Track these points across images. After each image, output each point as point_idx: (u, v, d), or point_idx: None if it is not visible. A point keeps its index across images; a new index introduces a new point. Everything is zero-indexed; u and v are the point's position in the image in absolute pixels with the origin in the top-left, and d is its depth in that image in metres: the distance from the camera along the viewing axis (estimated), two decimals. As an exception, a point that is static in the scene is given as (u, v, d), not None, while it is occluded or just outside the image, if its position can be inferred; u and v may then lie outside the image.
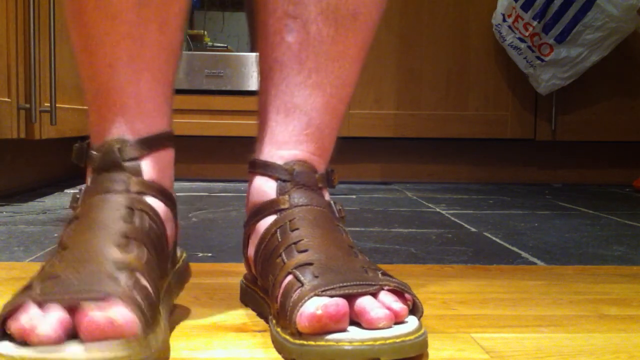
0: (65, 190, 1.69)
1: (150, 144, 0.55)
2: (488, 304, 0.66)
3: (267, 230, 0.57)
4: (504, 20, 1.97)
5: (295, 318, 0.48)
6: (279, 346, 0.50)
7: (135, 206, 0.52)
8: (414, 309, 0.51)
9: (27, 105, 1.41)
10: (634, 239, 1.11)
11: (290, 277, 0.51)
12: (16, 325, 0.43)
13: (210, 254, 0.93)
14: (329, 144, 0.61)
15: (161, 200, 0.55)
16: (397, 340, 0.47)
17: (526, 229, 1.21)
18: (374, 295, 0.50)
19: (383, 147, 2.10)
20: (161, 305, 0.51)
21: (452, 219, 1.33)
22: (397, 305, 0.49)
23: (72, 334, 0.43)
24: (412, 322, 0.49)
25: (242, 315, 0.61)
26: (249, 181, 0.62)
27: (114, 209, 0.51)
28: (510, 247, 1.02)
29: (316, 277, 0.50)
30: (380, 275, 0.52)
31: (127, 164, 0.53)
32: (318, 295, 0.48)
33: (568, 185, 2.11)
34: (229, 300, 0.66)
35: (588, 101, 2.07)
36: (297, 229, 0.55)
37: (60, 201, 1.49)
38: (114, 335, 0.42)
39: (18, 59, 1.39)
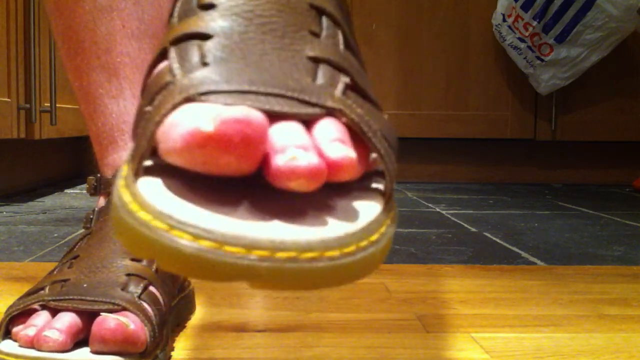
0: (65, 190, 1.69)
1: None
2: (488, 304, 0.66)
3: None
4: (504, 20, 1.97)
5: (157, 130, 0.25)
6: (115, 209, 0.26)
7: None
8: (384, 196, 0.27)
9: (27, 105, 1.41)
10: (634, 239, 1.11)
11: (164, 64, 0.28)
12: (25, 329, 0.43)
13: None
14: None
15: None
16: (302, 255, 0.23)
17: (526, 229, 1.21)
18: (308, 123, 0.26)
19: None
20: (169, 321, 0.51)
21: (452, 219, 1.33)
22: (338, 149, 0.24)
23: (79, 340, 0.43)
24: (356, 206, 0.26)
25: (242, 315, 0.61)
26: None
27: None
28: (510, 247, 1.02)
29: (206, 64, 0.26)
30: (340, 87, 0.27)
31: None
32: (196, 101, 0.25)
33: (568, 185, 2.11)
34: (229, 300, 0.66)
35: (588, 101, 2.07)
36: None
37: (60, 201, 1.49)
38: (123, 343, 0.42)
39: (18, 59, 1.39)
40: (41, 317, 0.43)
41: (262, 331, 0.56)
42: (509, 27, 1.96)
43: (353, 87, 0.28)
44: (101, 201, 0.55)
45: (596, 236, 1.14)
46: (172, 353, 0.50)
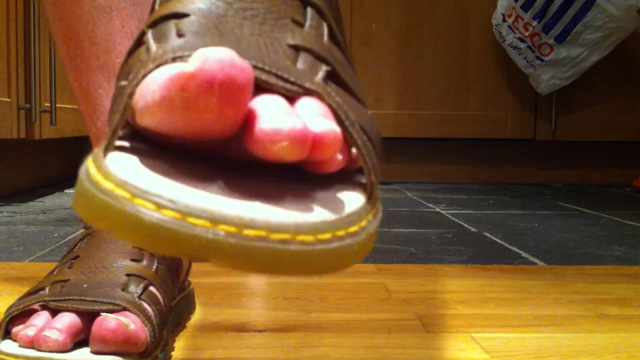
0: (65, 190, 1.69)
1: None
2: (488, 304, 0.66)
3: None
4: (504, 20, 1.97)
5: (134, 98, 0.23)
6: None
7: None
8: (368, 189, 0.25)
9: (27, 105, 1.41)
10: (634, 239, 1.11)
11: (139, 45, 0.27)
12: (24, 329, 0.43)
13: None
14: None
15: None
16: (281, 237, 0.21)
17: (526, 229, 1.21)
18: (292, 99, 0.24)
19: (383, 147, 2.10)
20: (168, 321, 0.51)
21: (452, 219, 1.33)
22: (322, 123, 0.23)
23: (79, 340, 0.43)
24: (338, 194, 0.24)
25: (242, 315, 0.61)
26: None
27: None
28: (510, 247, 1.02)
29: (182, 35, 0.25)
30: (320, 75, 0.26)
31: None
32: (169, 58, 0.24)
33: (568, 185, 2.11)
34: (229, 300, 0.66)
35: (588, 101, 2.07)
36: None
37: (60, 201, 1.49)
38: (123, 343, 0.42)
39: (18, 59, 1.39)
40: (41, 318, 0.43)
41: (262, 331, 0.56)
42: (509, 27, 1.96)
43: (334, 78, 0.27)
44: None
45: (596, 236, 1.14)
46: (172, 353, 0.50)
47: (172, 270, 0.53)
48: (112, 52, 0.54)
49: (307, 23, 0.28)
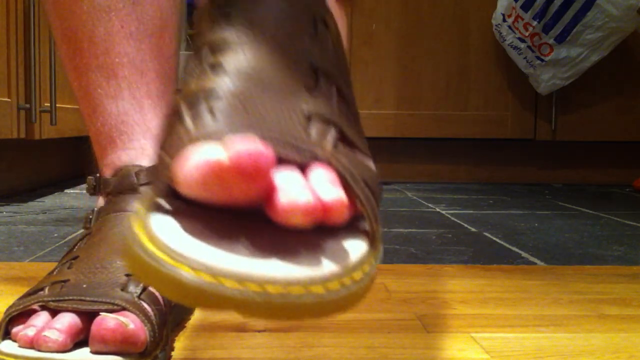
0: (65, 190, 1.69)
1: None
2: (488, 304, 0.66)
3: None
4: (504, 20, 1.97)
5: (173, 170, 0.27)
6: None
7: None
8: (368, 234, 0.30)
9: (27, 105, 1.41)
10: (634, 239, 1.11)
11: (174, 119, 0.31)
12: (24, 330, 0.43)
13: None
14: None
15: None
16: (294, 291, 0.25)
17: (526, 229, 1.21)
18: (304, 168, 0.29)
19: (383, 147, 2.10)
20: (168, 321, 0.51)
21: (452, 219, 1.33)
22: (331, 192, 0.27)
23: (79, 340, 0.43)
24: (344, 243, 0.29)
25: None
26: None
27: (126, 225, 0.51)
28: (510, 247, 1.02)
29: (214, 115, 0.29)
30: (330, 140, 0.31)
31: (142, 188, 0.54)
32: (205, 140, 0.28)
33: (568, 185, 2.11)
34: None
35: (588, 101, 2.07)
36: (229, 18, 0.33)
37: (60, 201, 1.49)
38: (123, 343, 0.42)
39: (18, 59, 1.39)
40: (41, 318, 0.43)
41: (262, 331, 0.56)
42: (509, 27, 1.96)
43: (342, 137, 0.31)
44: (100, 201, 0.55)
45: (596, 236, 1.14)
46: (172, 353, 0.50)
47: None
48: (111, 52, 0.54)
49: (318, 88, 0.32)
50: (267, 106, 0.30)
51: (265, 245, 0.26)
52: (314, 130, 0.30)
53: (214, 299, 0.24)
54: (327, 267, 0.26)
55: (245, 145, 0.25)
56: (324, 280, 0.26)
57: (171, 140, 0.30)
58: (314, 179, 0.28)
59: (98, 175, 0.57)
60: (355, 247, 0.29)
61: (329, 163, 0.29)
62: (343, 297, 0.26)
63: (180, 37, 0.59)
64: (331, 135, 0.31)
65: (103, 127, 0.55)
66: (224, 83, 0.30)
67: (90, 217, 0.55)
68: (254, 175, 0.25)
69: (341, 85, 0.34)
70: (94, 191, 0.56)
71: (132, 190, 0.54)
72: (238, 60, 0.31)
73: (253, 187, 0.26)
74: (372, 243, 0.29)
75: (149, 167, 0.55)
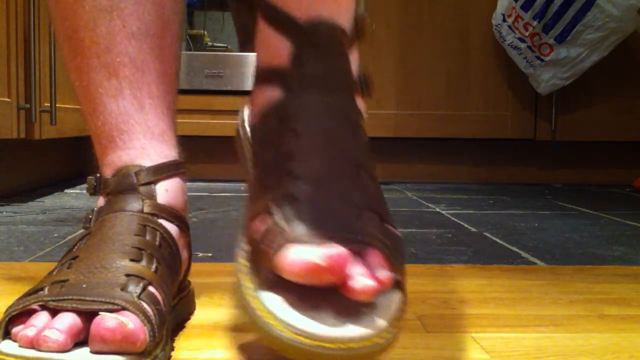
0: (65, 190, 1.69)
1: (163, 170, 0.56)
2: (488, 304, 0.66)
3: (265, 113, 0.48)
4: (504, 20, 1.97)
5: (277, 262, 0.40)
6: (240, 297, 0.43)
7: (148, 224, 0.52)
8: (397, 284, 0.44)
9: (27, 105, 1.41)
10: (634, 239, 1.11)
11: (267, 216, 0.43)
12: (24, 329, 0.43)
13: (210, 254, 0.93)
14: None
15: (175, 225, 0.55)
16: (357, 345, 0.39)
17: (526, 229, 1.21)
18: (359, 253, 0.41)
19: (383, 147, 2.10)
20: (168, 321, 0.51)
21: (452, 219, 1.33)
22: (383, 272, 0.41)
23: (79, 340, 0.43)
24: (386, 308, 0.42)
25: (242, 315, 0.61)
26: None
27: (126, 224, 0.51)
28: (510, 247, 1.02)
29: (299, 220, 0.42)
30: (375, 223, 0.44)
31: (142, 188, 0.54)
32: (298, 244, 0.41)
33: (568, 185, 2.11)
34: (229, 300, 0.66)
35: (588, 101, 2.07)
36: (296, 133, 0.45)
37: (60, 201, 1.49)
38: (122, 343, 0.42)
39: (18, 59, 1.39)
40: (41, 318, 0.43)
41: (262, 331, 0.56)
42: (509, 27, 1.96)
43: (381, 219, 0.44)
44: (100, 201, 0.55)
45: (596, 236, 1.14)
46: (172, 353, 0.50)
47: (171, 270, 0.53)
48: (112, 52, 0.54)
49: (360, 178, 0.44)
50: (333, 204, 0.43)
51: (342, 312, 0.40)
52: (365, 217, 0.43)
53: (311, 356, 0.38)
54: (376, 323, 0.40)
55: (332, 251, 0.39)
56: (373, 336, 0.39)
57: (269, 236, 0.42)
58: (371, 262, 0.41)
59: (98, 175, 0.57)
60: (395, 298, 0.42)
61: (379, 249, 0.42)
62: (385, 345, 0.40)
63: (181, 37, 0.59)
64: (375, 220, 0.44)
65: (104, 126, 0.55)
66: (301, 189, 0.43)
67: (90, 216, 0.55)
68: (338, 271, 0.39)
69: (372, 170, 0.46)
70: (94, 191, 0.56)
71: (132, 190, 0.54)
72: (307, 167, 0.44)
73: (336, 278, 0.39)
74: (403, 291, 0.43)
75: (149, 167, 0.55)
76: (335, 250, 0.39)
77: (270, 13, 0.47)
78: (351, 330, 0.39)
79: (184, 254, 0.57)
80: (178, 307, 0.57)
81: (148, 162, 0.55)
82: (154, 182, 0.55)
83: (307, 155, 0.44)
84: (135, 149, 0.55)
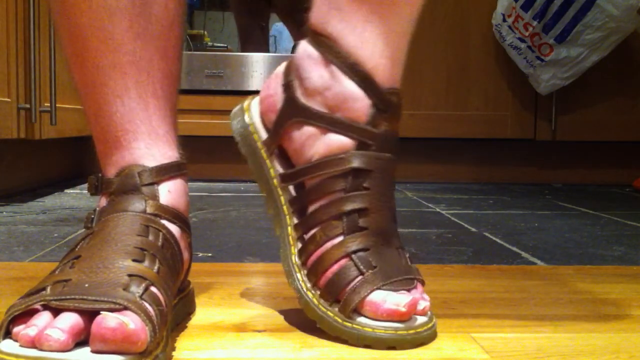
0: (65, 190, 1.69)
1: (166, 171, 0.56)
2: (488, 304, 0.66)
3: (332, 161, 0.57)
4: (504, 20, 1.97)
5: (357, 303, 0.52)
6: (325, 323, 0.54)
7: (150, 224, 0.52)
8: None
9: (27, 105, 1.41)
10: (634, 239, 1.11)
11: (346, 261, 0.54)
12: (26, 329, 0.43)
13: (210, 254, 0.93)
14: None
15: (178, 226, 0.55)
16: (424, 329, 0.53)
17: (526, 229, 1.21)
18: (415, 287, 0.56)
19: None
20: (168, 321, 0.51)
21: (452, 219, 1.33)
22: (424, 303, 0.55)
23: (80, 340, 0.43)
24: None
25: (242, 315, 0.61)
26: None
27: (129, 224, 0.51)
28: (510, 247, 1.02)
29: (374, 267, 0.53)
30: (409, 261, 0.57)
31: (145, 188, 0.54)
32: (379, 289, 0.53)
33: (568, 185, 2.11)
34: (229, 300, 0.66)
35: (588, 101, 2.07)
36: (366, 188, 0.56)
37: (60, 201, 1.49)
38: (123, 342, 0.42)
39: (18, 59, 1.39)
40: (43, 317, 0.43)
41: (262, 331, 0.56)
42: (509, 27, 1.96)
43: (411, 260, 0.58)
44: (103, 201, 0.55)
45: (596, 236, 1.14)
46: (172, 353, 0.50)
47: (173, 270, 0.53)
48: (118, 51, 0.54)
49: (396, 224, 0.60)
50: (393, 254, 0.56)
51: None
52: (407, 258, 0.57)
53: (397, 342, 0.52)
54: (425, 318, 0.54)
55: (409, 299, 0.52)
56: (426, 323, 0.54)
57: (346, 271, 0.54)
58: (420, 290, 0.56)
59: (100, 174, 0.57)
60: (426, 302, 0.55)
61: (420, 282, 0.56)
62: (435, 327, 0.55)
63: (183, 39, 0.60)
64: (409, 257, 0.58)
65: (108, 126, 0.55)
66: (370, 241, 0.54)
67: (92, 216, 0.55)
68: (413, 312, 0.53)
69: (394, 212, 0.59)
70: (95, 191, 0.56)
71: (135, 190, 0.54)
72: (374, 221, 0.55)
73: (409, 317, 0.53)
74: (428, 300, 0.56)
75: (152, 168, 0.55)
76: (411, 298, 0.52)
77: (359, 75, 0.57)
78: (417, 321, 0.53)
79: (185, 255, 0.57)
80: (178, 307, 0.57)
81: (151, 162, 0.55)
82: (157, 183, 0.55)
83: (376, 212, 0.55)
84: (140, 149, 0.55)
